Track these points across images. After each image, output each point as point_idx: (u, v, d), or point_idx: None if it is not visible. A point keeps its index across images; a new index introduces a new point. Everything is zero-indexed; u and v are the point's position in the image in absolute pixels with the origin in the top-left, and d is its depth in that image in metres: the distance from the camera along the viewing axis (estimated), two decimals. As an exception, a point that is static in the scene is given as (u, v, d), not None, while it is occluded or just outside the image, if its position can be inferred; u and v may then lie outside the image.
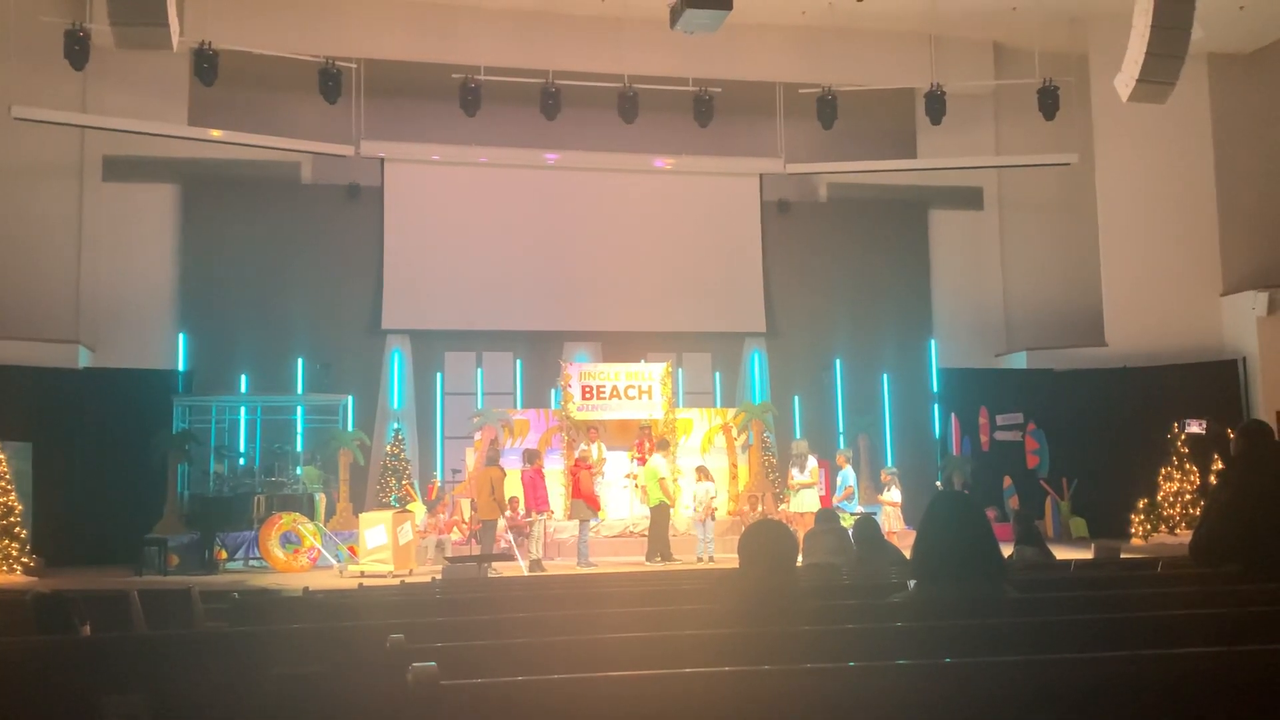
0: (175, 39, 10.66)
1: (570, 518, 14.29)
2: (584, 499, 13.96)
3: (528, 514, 13.73)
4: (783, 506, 15.27)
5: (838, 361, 18.80)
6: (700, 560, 13.78)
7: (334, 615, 5.53)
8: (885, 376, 18.88)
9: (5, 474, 13.16)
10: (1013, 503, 16.67)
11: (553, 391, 16.71)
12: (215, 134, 16.35)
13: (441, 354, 18.14)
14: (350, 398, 16.81)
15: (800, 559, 6.87)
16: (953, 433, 17.59)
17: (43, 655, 3.98)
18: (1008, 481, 17.23)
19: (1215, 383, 16.61)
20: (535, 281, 18.02)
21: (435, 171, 18.19)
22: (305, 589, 7.10)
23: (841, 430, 18.54)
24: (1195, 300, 17.33)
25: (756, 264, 18.90)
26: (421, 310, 17.88)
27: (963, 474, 17.17)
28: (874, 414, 18.60)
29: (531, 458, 14.04)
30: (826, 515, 10.08)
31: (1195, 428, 15.60)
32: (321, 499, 15.24)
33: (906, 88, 18.07)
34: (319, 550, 13.81)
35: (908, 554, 4.37)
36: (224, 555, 14.07)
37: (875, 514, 15.00)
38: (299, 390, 17.06)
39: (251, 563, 14.23)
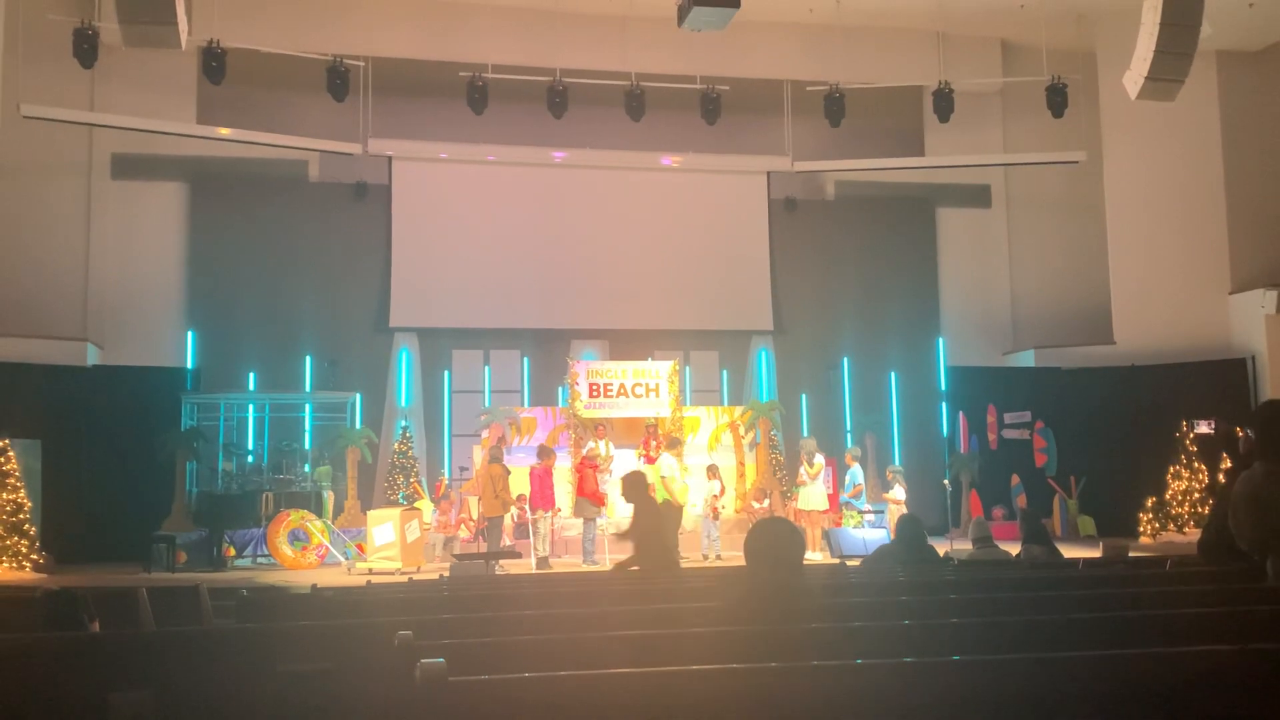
0: (183, 37, 10.67)
1: (575, 515, 14.30)
2: (588, 497, 13.96)
3: (534, 511, 13.74)
4: (791, 504, 15.25)
5: (845, 359, 18.79)
6: (706, 558, 13.78)
7: (342, 612, 5.54)
8: (893, 374, 18.87)
9: (14, 471, 13.20)
10: (1020, 501, 16.65)
11: (560, 389, 16.70)
12: (223, 132, 16.39)
13: (449, 352, 18.15)
14: (358, 395, 16.82)
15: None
16: (960, 431, 17.55)
17: (51, 652, 3.99)
18: (1015, 480, 17.20)
19: (1224, 381, 16.51)
20: (543, 279, 18.03)
21: (442, 169, 18.21)
22: (313, 586, 7.11)
23: (849, 428, 18.52)
24: (1203, 298, 17.25)
25: (764, 262, 18.87)
26: (429, 308, 17.90)
27: (970, 472, 17.14)
28: (881, 412, 18.59)
29: (544, 455, 14.07)
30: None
31: (1204, 427, 15.54)
32: (329, 496, 15.28)
33: (914, 85, 18.03)
34: (327, 548, 13.83)
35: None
36: (232, 552, 14.10)
37: (881, 511, 15.04)
38: (307, 388, 17.08)
39: (259, 560, 14.26)
